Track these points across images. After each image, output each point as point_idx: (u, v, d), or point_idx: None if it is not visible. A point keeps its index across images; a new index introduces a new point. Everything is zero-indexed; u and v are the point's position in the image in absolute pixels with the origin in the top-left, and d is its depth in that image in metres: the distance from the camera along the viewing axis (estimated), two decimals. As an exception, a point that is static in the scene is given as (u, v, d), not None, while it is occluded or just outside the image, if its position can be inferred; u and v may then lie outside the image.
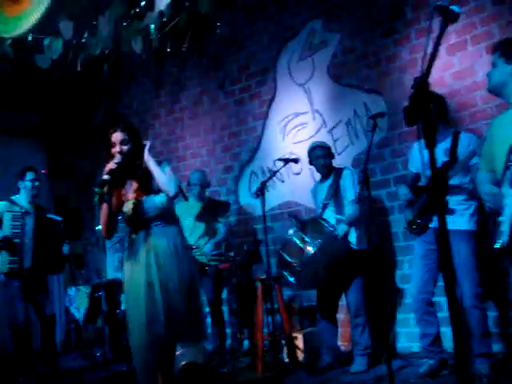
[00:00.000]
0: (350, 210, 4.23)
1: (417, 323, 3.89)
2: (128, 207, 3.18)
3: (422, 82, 1.67)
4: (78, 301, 6.14)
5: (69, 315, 6.37)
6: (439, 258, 3.68)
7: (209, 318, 4.78)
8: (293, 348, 4.57)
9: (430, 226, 3.71)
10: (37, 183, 4.99)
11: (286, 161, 4.38)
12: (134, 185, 3.24)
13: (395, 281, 4.71)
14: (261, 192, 3.98)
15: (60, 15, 4.53)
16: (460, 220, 3.60)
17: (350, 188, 4.28)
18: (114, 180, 3.04)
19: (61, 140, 7.19)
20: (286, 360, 4.58)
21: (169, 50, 5.35)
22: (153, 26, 4.85)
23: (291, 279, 4.02)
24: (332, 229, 4.08)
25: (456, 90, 4.39)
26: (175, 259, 3.11)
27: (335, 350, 4.42)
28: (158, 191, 3.18)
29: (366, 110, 4.94)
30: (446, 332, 3.76)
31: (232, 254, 5.10)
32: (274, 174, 4.39)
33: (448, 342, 3.76)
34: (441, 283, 3.78)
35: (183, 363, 4.16)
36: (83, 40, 4.86)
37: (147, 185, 3.21)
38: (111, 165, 3.05)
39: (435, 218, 3.50)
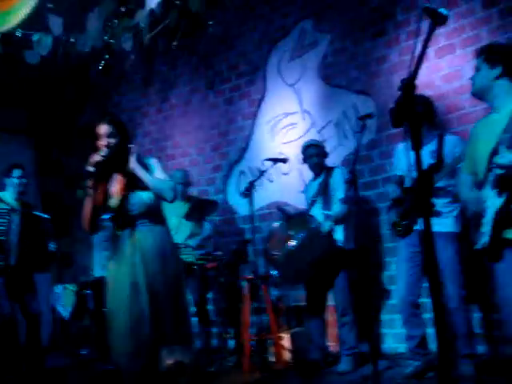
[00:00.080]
0: (337, 208, 4.23)
1: (403, 325, 3.90)
2: (113, 203, 3.08)
3: (408, 84, 1.68)
4: (64, 299, 6.11)
5: (55, 313, 6.34)
6: (424, 261, 3.70)
7: (195, 317, 4.77)
8: (280, 348, 4.58)
9: (414, 228, 3.72)
10: (24, 180, 4.94)
11: (275, 161, 4.39)
12: (120, 180, 3.12)
13: (382, 281, 4.73)
14: (249, 191, 3.99)
15: (50, 11, 4.50)
16: (445, 222, 3.62)
17: (340, 187, 4.29)
18: (99, 173, 2.95)
19: (49, 137, 7.15)
20: (273, 360, 4.58)
21: (159, 48, 5.34)
22: (143, 24, 4.84)
23: (274, 272, 4.02)
24: (317, 224, 4.09)
25: (444, 92, 4.41)
26: (161, 259, 3.04)
27: (323, 350, 4.43)
28: (146, 187, 3.07)
29: (355, 111, 4.95)
30: (432, 333, 3.78)
31: (219, 253, 5.10)
32: (262, 173, 4.40)
33: (433, 343, 3.78)
34: (426, 284, 3.80)
35: (169, 362, 4.15)
36: (72, 39, 4.83)
37: (134, 180, 3.08)
38: (96, 157, 2.97)
39: (420, 220, 3.51)
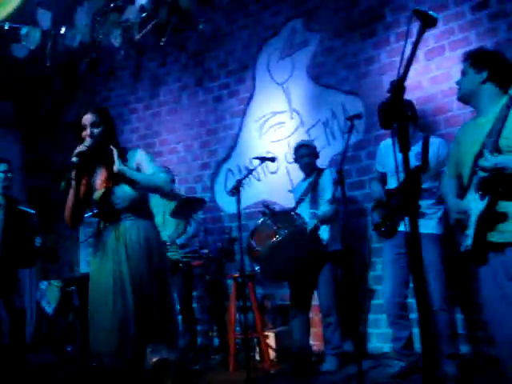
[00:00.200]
0: (325, 207, 4.23)
1: (389, 326, 3.92)
2: (96, 196, 2.96)
3: (398, 85, 1.68)
4: (49, 295, 6.05)
5: (40, 309, 6.29)
6: (409, 262, 3.72)
7: (180, 315, 4.76)
8: (265, 346, 4.58)
9: (398, 229, 3.73)
10: (9, 175, 4.89)
11: (263, 159, 4.38)
12: (105, 172, 2.99)
13: (368, 281, 4.74)
14: (236, 190, 3.98)
15: (38, 4, 4.46)
16: (429, 224, 3.65)
17: (328, 187, 4.29)
18: (82, 165, 2.82)
19: (36, 131, 7.08)
20: (258, 358, 4.59)
21: (149, 44, 5.31)
22: (133, 20, 4.82)
23: (257, 268, 4.02)
24: (302, 222, 4.09)
25: (432, 94, 4.44)
26: (147, 254, 2.94)
27: (307, 349, 4.44)
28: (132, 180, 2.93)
29: (343, 111, 4.96)
30: (416, 333, 3.81)
31: (205, 251, 5.08)
32: (250, 172, 4.39)
33: (418, 343, 3.81)
34: (411, 285, 3.82)
35: (154, 360, 4.13)
36: (61, 31, 4.79)
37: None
38: (80, 147, 2.83)
39: (404, 222, 3.53)
